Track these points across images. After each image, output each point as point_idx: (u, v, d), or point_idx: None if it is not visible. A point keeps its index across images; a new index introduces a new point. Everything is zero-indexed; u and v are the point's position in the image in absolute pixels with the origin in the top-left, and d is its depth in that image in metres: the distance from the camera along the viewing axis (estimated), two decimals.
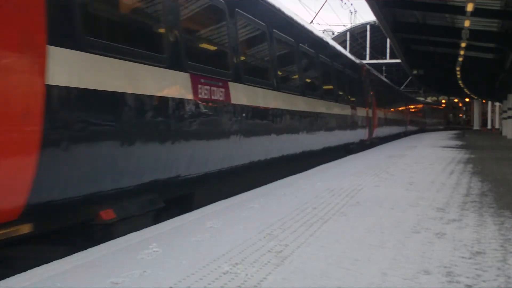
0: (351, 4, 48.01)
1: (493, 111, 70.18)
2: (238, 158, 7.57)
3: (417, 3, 19.84)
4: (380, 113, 22.89)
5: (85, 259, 3.85)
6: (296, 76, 10.95)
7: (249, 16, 8.11)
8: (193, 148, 6.07)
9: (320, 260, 3.91)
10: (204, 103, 6.28)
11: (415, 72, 36.38)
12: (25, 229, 3.85)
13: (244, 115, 7.57)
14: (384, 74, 48.91)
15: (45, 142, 3.78)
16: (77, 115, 4.17)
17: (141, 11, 5.62)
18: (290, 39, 10.35)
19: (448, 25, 22.74)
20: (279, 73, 9.61)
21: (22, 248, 4.38)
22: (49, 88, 3.81)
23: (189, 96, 5.92)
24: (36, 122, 3.70)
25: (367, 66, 21.01)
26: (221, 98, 6.77)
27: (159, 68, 5.36)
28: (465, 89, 47.40)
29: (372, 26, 50.27)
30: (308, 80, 11.76)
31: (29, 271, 3.54)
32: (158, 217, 5.54)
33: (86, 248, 4.13)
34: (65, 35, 4.06)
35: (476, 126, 67.05)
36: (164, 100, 5.43)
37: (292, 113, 10.06)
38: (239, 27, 7.71)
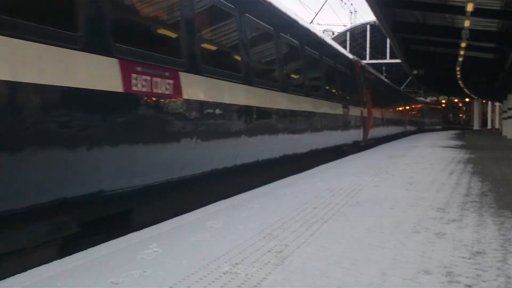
0: (351, 4, 48.31)
1: (493, 111, 70.27)
2: (195, 166, 6.16)
3: (417, 3, 19.84)
4: (377, 113, 21.77)
5: (85, 259, 3.85)
6: (275, 69, 9.31)
7: None
8: (122, 155, 4.76)
9: (320, 260, 3.91)
10: (140, 98, 5.02)
11: (415, 72, 36.41)
12: None
13: (202, 113, 6.28)
14: (384, 74, 48.92)
15: None
16: None
17: None
18: (267, 25, 8.78)
19: (448, 25, 22.76)
20: (252, 64, 8.04)
21: None
22: None
23: (117, 88, 4.68)
24: None
25: (362, 63, 19.64)
26: (167, 92, 5.50)
27: (70, 50, 4.12)
28: (465, 89, 47.43)
29: (372, 26, 50.33)
30: (290, 75, 10.28)
31: (29, 271, 3.54)
32: (69, 247, 4.33)
33: None
34: None
35: (476, 126, 67.06)
36: (75, 93, 4.14)
37: (269, 112, 8.72)
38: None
